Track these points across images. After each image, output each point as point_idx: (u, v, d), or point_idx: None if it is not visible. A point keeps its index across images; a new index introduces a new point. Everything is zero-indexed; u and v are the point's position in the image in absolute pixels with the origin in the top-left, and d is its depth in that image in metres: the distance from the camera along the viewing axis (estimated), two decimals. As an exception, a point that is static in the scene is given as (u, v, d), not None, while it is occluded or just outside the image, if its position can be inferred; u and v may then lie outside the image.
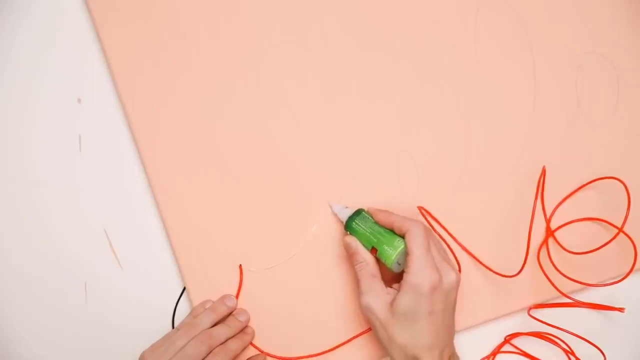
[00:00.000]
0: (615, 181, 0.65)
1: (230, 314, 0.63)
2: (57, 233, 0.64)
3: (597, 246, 0.64)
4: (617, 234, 0.64)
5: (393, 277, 0.61)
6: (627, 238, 0.65)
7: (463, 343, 0.64)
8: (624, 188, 0.65)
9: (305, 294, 0.64)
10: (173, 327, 0.64)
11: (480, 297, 0.65)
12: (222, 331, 0.61)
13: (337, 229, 0.64)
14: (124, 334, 0.64)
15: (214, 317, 0.62)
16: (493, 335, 0.63)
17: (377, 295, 0.59)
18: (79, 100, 0.65)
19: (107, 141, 0.65)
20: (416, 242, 0.58)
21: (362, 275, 0.60)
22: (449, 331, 0.60)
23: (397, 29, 0.66)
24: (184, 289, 0.64)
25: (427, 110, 0.66)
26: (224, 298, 0.63)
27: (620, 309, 0.64)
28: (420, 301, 0.57)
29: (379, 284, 0.60)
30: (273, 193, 0.65)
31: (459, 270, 0.64)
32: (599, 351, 0.64)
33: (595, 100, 0.67)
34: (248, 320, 0.64)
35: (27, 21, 0.65)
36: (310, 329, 0.64)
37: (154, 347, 0.59)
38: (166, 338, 0.60)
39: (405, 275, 0.58)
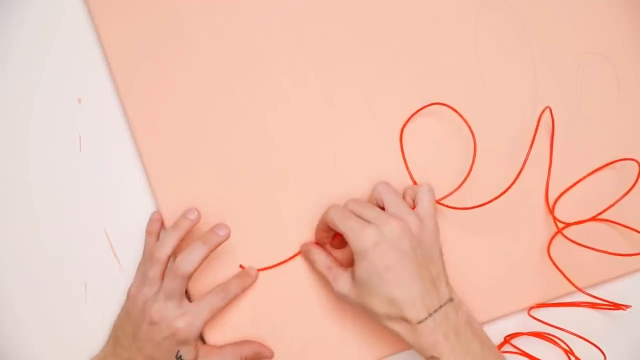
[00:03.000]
0: (628, 162, 0.66)
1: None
2: (57, 233, 0.64)
3: (603, 242, 0.64)
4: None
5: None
6: (635, 233, 0.65)
7: (463, 343, 0.64)
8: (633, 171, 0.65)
9: (308, 294, 0.64)
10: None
11: (480, 297, 0.65)
12: (197, 252, 0.59)
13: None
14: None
15: (177, 237, 0.60)
16: (493, 335, 0.63)
17: (341, 281, 0.59)
18: (79, 100, 0.65)
19: (107, 141, 0.65)
20: (337, 219, 0.59)
21: (322, 271, 0.61)
22: (426, 279, 0.57)
23: (397, 28, 0.66)
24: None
25: (427, 109, 0.66)
26: (185, 212, 0.61)
27: (625, 306, 0.64)
28: (371, 262, 0.56)
29: (337, 270, 0.60)
30: (274, 192, 0.65)
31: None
32: (599, 351, 0.64)
33: (595, 100, 0.67)
34: (228, 235, 0.60)
35: (27, 20, 0.64)
36: (315, 330, 0.64)
37: (138, 284, 0.60)
38: (140, 272, 0.61)
39: (351, 249, 0.58)
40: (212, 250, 0.60)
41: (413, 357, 0.65)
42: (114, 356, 0.60)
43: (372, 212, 0.59)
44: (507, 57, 0.67)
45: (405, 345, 0.58)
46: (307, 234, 0.64)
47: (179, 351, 0.59)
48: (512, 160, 0.65)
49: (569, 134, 0.67)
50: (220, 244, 0.60)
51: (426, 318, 0.56)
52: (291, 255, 0.64)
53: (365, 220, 0.58)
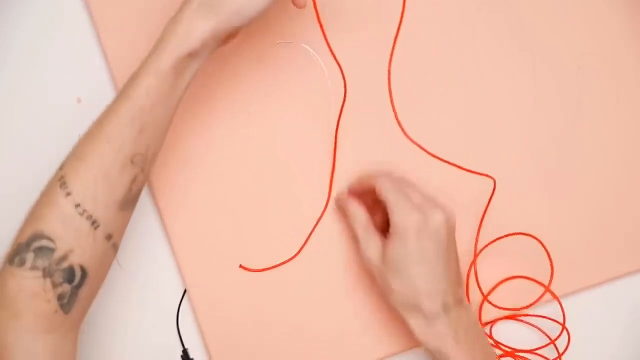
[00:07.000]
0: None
1: None
2: (57, 233, 0.64)
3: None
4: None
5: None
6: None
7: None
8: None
9: (308, 294, 0.65)
10: (177, 328, 0.64)
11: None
12: None
13: (339, 226, 0.65)
14: (124, 334, 0.64)
15: None
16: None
17: (372, 246, 0.60)
18: (79, 100, 0.65)
19: (107, 141, 0.65)
20: (387, 189, 0.59)
21: (355, 228, 0.61)
22: (451, 275, 0.58)
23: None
24: (185, 291, 0.64)
25: (426, 109, 0.66)
26: None
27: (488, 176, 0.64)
28: (408, 246, 0.57)
29: (373, 234, 0.60)
30: (274, 192, 0.65)
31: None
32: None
33: (595, 100, 0.67)
34: None
35: (26, 20, 0.64)
36: (314, 330, 0.64)
37: None
38: None
39: (390, 223, 0.58)
40: None
41: (411, 359, 0.65)
42: None
43: (420, 196, 0.59)
44: (507, 57, 0.67)
45: (409, 342, 0.60)
46: (309, 231, 0.65)
47: None
48: (511, 163, 0.66)
49: (569, 135, 0.67)
50: None
51: (440, 314, 0.57)
52: (292, 255, 0.64)
53: (410, 200, 0.58)
